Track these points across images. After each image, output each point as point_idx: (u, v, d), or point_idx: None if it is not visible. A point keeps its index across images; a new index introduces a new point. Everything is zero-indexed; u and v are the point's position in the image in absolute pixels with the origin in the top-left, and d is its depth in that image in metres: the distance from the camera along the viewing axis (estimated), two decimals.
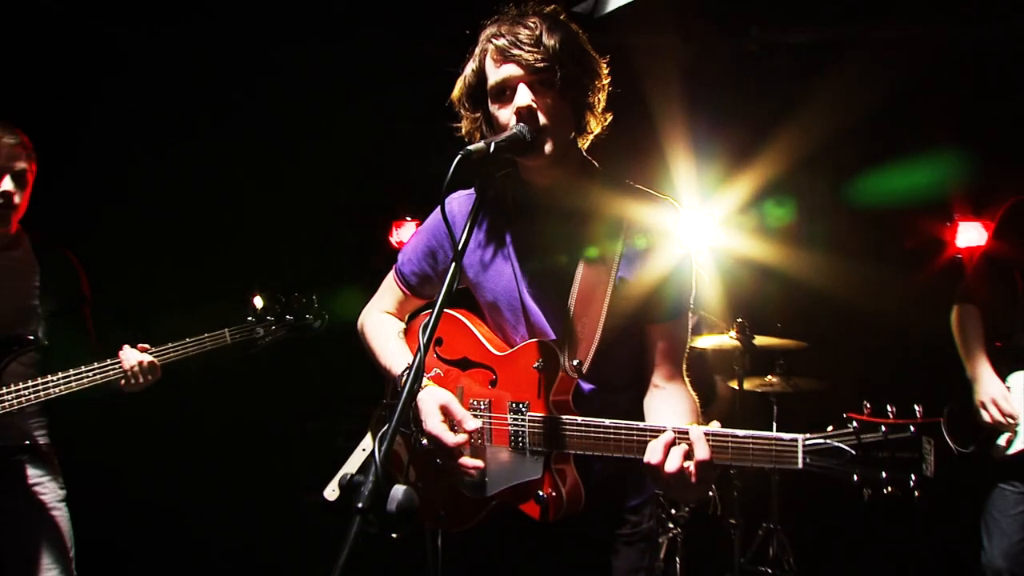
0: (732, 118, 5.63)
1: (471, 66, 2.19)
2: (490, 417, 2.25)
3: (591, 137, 2.27)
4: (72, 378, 3.21)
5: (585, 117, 2.18)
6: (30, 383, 3.16)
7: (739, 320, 4.58)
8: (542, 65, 2.05)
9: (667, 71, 5.26)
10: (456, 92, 2.24)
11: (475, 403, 2.29)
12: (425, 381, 2.31)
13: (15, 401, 3.14)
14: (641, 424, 2.00)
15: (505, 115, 2.11)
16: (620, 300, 2.20)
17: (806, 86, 5.17)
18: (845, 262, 5.33)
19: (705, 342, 4.72)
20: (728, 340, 4.61)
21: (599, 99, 2.21)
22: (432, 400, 2.22)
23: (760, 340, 4.61)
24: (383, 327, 2.54)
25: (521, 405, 2.19)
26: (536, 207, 2.28)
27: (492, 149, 1.90)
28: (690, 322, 4.98)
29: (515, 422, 2.19)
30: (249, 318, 3.63)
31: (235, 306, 3.62)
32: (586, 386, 2.27)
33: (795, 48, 5.61)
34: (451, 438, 2.15)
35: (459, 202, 2.43)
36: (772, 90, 5.60)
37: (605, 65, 2.22)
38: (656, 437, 1.95)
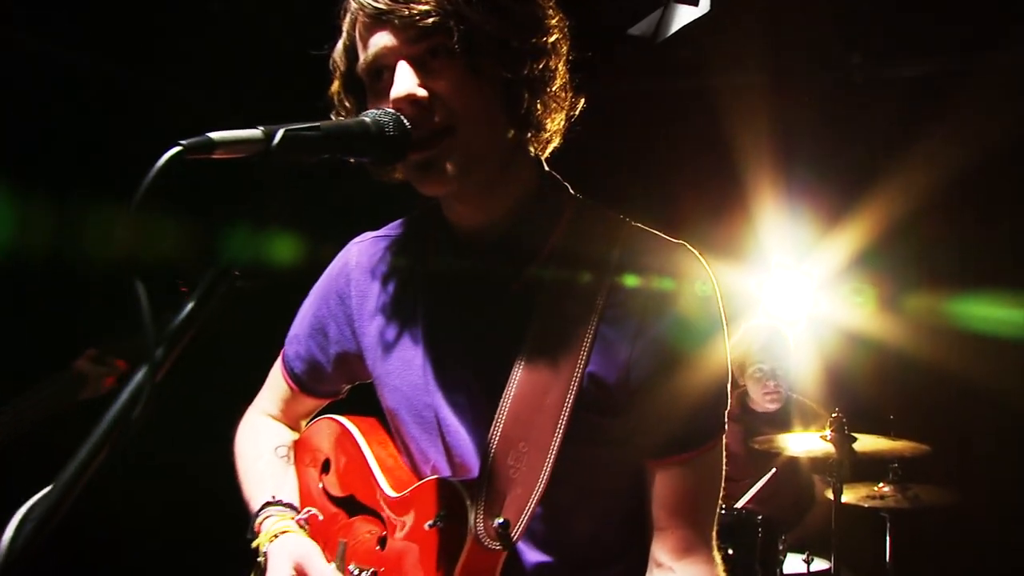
0: (832, 163, 4.69)
1: (340, 43, 1.38)
2: None
3: (552, 140, 1.40)
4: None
5: (524, 103, 1.30)
6: None
7: (834, 414, 3.49)
8: (430, 23, 1.22)
9: (755, 110, 4.45)
10: (333, 85, 1.43)
11: (356, 572, 1.45)
12: (287, 524, 1.50)
13: None
14: None
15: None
16: (591, 415, 1.34)
17: (920, 123, 4.23)
18: (981, 339, 4.21)
19: (795, 443, 3.63)
20: (819, 443, 3.51)
21: (550, 68, 1.32)
22: (284, 554, 1.43)
23: (863, 443, 3.50)
24: (256, 438, 1.73)
25: None
26: (461, 260, 1.45)
27: (276, 143, 1.00)
28: (777, 399, 3.93)
29: None
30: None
31: None
32: (531, 558, 1.40)
33: (907, 80, 4.66)
34: None
35: (361, 249, 1.62)
36: (879, 128, 4.62)
37: (555, 13, 1.34)
38: None
